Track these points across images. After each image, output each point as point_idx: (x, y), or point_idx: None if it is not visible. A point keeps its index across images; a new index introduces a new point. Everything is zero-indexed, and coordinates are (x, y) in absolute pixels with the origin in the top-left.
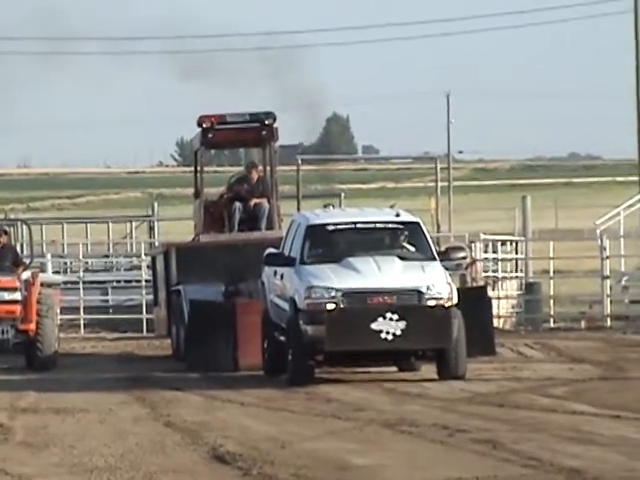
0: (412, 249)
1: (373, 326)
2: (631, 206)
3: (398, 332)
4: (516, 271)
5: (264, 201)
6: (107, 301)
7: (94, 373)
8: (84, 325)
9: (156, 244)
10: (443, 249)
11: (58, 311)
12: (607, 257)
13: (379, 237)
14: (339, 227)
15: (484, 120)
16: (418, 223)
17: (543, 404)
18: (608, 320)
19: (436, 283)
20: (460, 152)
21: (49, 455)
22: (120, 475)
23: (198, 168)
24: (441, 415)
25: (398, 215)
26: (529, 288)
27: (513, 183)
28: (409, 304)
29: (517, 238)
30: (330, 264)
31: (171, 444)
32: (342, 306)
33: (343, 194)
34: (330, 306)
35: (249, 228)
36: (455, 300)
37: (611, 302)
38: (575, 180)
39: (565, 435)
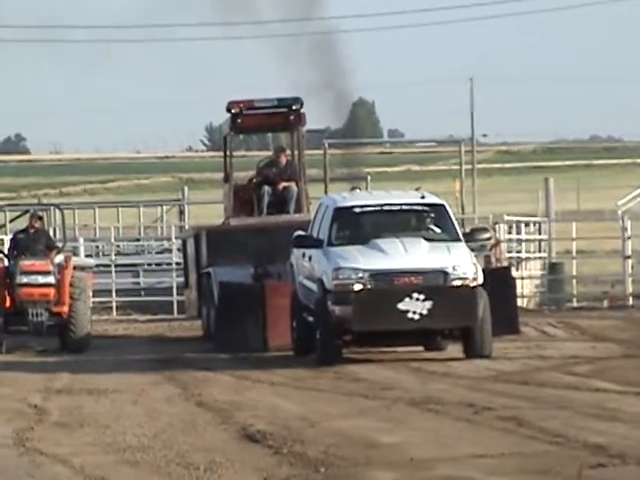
0: (437, 230)
1: (400, 306)
2: None
3: (425, 312)
4: (539, 251)
5: (292, 184)
6: (138, 284)
7: (126, 355)
8: (116, 307)
9: (186, 228)
10: (468, 230)
11: (90, 294)
12: (628, 237)
13: (405, 219)
14: (366, 209)
15: (507, 104)
16: (443, 205)
17: (567, 382)
18: (630, 299)
19: (461, 263)
20: (484, 135)
21: (83, 435)
22: (153, 454)
23: (227, 153)
24: (467, 393)
25: (423, 197)
26: (552, 268)
27: (535, 165)
28: (435, 284)
29: (540, 219)
30: (357, 245)
31: (202, 423)
32: (369, 287)
33: (369, 177)
34: (357, 287)
35: (278, 211)
36: (480, 280)
37: (633, 281)
38: (596, 162)
39: (589, 412)
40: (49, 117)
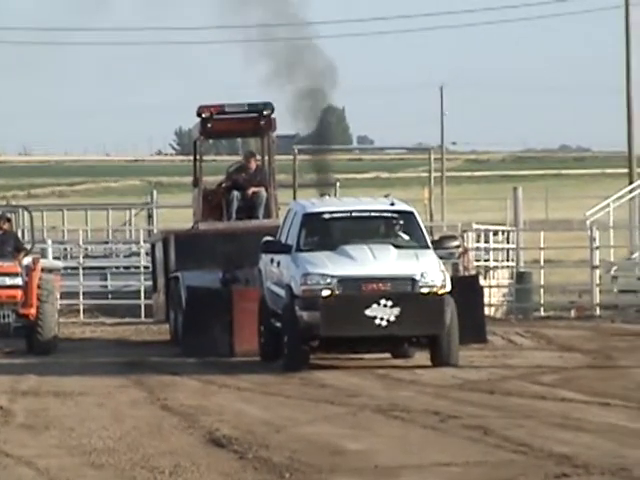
0: (406, 238)
1: (367, 312)
2: (620, 197)
3: (392, 318)
4: (507, 260)
5: (262, 190)
6: (106, 287)
7: (93, 357)
8: (83, 310)
9: (155, 231)
10: (437, 238)
11: (58, 296)
12: (596, 247)
13: (374, 226)
14: (335, 215)
15: (477, 112)
16: (412, 212)
17: (533, 391)
18: (597, 309)
19: (430, 271)
20: (453, 143)
21: (49, 437)
22: (118, 457)
23: (197, 157)
24: (433, 401)
25: (393, 204)
26: (520, 277)
27: (505, 174)
28: (403, 291)
29: (508, 228)
30: (326, 252)
31: (168, 427)
32: (337, 292)
33: (338, 183)
34: (325, 292)
35: (247, 216)
36: (448, 288)
37: (600, 291)
38: (565, 172)
39: (555, 422)
40: (18, 119)
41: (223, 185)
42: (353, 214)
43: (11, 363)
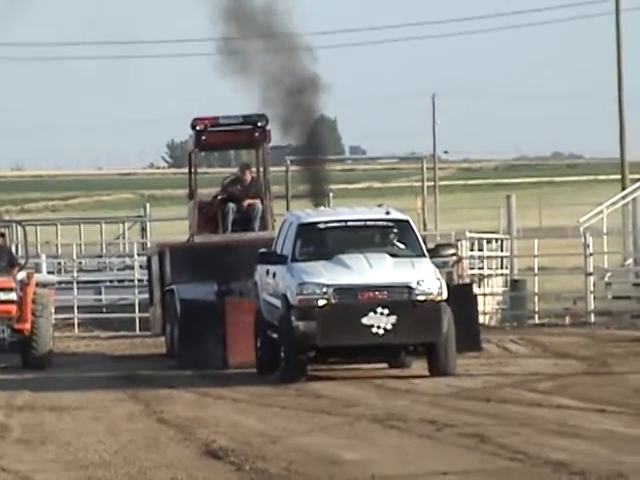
0: (402, 246)
1: (364, 321)
2: (613, 204)
3: (389, 327)
4: (501, 268)
5: (257, 202)
6: (100, 300)
7: (88, 371)
8: (78, 324)
9: (148, 244)
10: (433, 246)
11: (53, 310)
12: (590, 254)
13: (369, 235)
14: (330, 225)
15: (469, 121)
16: (408, 221)
17: (529, 399)
18: (592, 316)
19: (426, 279)
20: (445, 152)
21: (45, 452)
22: (115, 471)
23: (192, 170)
24: (429, 410)
25: (388, 213)
26: (514, 285)
27: (498, 182)
28: (399, 299)
29: (502, 236)
30: (321, 261)
31: (164, 440)
32: (333, 301)
33: (331, 194)
34: (322, 302)
35: (242, 229)
36: (445, 296)
37: (594, 298)
38: (558, 179)
39: (551, 429)
40: (10, 135)
41: (218, 197)
42: (348, 224)
43: (6, 378)
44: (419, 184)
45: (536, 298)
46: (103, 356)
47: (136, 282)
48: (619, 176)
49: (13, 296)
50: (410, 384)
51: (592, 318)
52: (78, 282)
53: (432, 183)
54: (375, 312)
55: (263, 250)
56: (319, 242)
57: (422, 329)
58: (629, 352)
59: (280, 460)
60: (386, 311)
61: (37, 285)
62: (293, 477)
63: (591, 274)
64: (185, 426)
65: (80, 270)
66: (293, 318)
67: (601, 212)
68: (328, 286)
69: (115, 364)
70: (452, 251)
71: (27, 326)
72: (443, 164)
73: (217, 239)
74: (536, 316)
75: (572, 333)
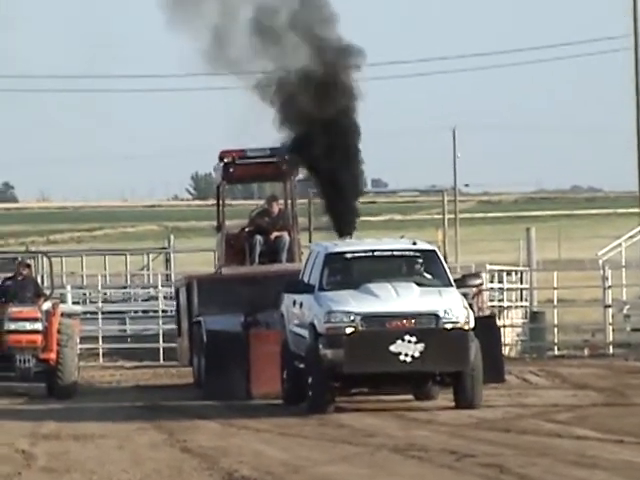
0: (429, 276)
1: (392, 348)
2: (632, 237)
3: (417, 354)
4: (521, 300)
5: (284, 234)
6: (125, 331)
7: (113, 401)
8: (103, 354)
9: (172, 276)
10: (460, 276)
11: (78, 340)
12: (609, 287)
13: (396, 264)
14: (357, 255)
15: (489, 154)
16: (435, 251)
17: (548, 429)
18: (610, 348)
19: (453, 307)
20: (466, 185)
21: None
22: None
23: (220, 202)
24: (449, 440)
25: (415, 243)
26: (534, 317)
27: (517, 215)
28: (427, 327)
29: (522, 268)
30: (349, 290)
31: (188, 469)
32: (361, 329)
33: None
34: (349, 330)
35: (270, 260)
36: (472, 325)
37: (613, 330)
38: (577, 212)
39: (570, 459)
40: (36, 166)
41: (246, 229)
42: (375, 253)
43: (32, 407)
44: (440, 216)
45: (555, 330)
46: (127, 386)
47: (160, 313)
48: (638, 209)
49: (39, 326)
50: (430, 414)
51: (611, 350)
52: (103, 312)
53: (452, 216)
54: (403, 340)
55: (290, 280)
56: (346, 272)
57: (450, 357)
58: None
59: None
60: (414, 339)
61: (62, 315)
62: None
63: (610, 306)
64: (209, 455)
65: (105, 301)
66: (321, 346)
67: (619, 245)
68: (356, 314)
69: (139, 394)
70: (479, 281)
71: (52, 356)
72: (463, 197)
73: (244, 271)
74: (555, 348)
75: (591, 365)
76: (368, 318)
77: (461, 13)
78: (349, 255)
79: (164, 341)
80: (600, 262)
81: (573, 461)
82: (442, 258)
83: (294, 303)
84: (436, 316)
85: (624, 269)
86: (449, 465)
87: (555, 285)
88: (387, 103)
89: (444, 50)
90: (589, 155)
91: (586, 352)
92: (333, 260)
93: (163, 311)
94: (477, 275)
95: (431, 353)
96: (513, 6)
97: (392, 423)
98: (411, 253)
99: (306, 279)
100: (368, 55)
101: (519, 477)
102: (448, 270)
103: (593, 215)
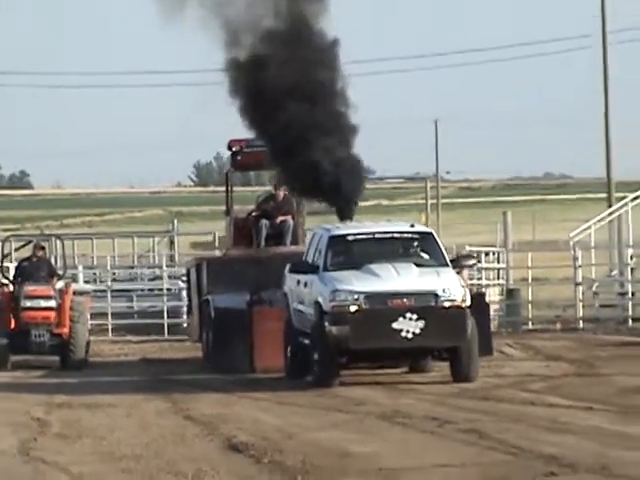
0: (426, 256)
1: (394, 325)
2: (601, 220)
3: (417, 331)
4: (498, 279)
5: (289, 218)
6: (132, 307)
7: (121, 372)
8: (112, 329)
9: (176, 257)
10: (455, 257)
11: (88, 317)
12: (579, 266)
13: (396, 246)
14: (359, 237)
15: (469, 144)
16: (431, 233)
17: (523, 398)
18: (580, 322)
19: (451, 286)
20: (447, 173)
21: (82, 445)
22: (145, 463)
23: (228, 188)
24: (431, 408)
25: (413, 226)
26: (509, 294)
27: (495, 200)
28: (427, 305)
29: (499, 249)
30: (351, 270)
31: (190, 435)
32: (365, 307)
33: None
34: (353, 308)
35: (275, 243)
36: (468, 303)
37: (583, 306)
38: (550, 197)
39: (543, 425)
40: (51, 156)
41: (253, 214)
42: (376, 236)
43: (46, 378)
44: (423, 201)
45: (529, 306)
46: (134, 359)
47: (165, 291)
48: (606, 194)
49: (52, 303)
50: (415, 384)
51: (581, 324)
52: (112, 291)
53: (435, 201)
54: (404, 317)
55: (295, 261)
56: (349, 253)
57: (448, 333)
58: (614, 355)
59: (296, 454)
60: (415, 316)
61: (74, 293)
62: (307, 469)
63: (580, 284)
64: (209, 422)
65: (113, 280)
66: (326, 323)
67: (589, 227)
68: (359, 293)
69: (145, 366)
70: (473, 261)
71: (65, 331)
72: (445, 183)
73: (250, 253)
74: (530, 322)
75: (562, 338)
76: (371, 297)
77: (438, 12)
78: (351, 237)
79: (168, 317)
80: (571, 243)
81: (545, 427)
82: (438, 240)
83: (298, 282)
84: (435, 295)
85: (593, 250)
86: (431, 431)
87: (529, 265)
88: (375, 97)
89: (427, 48)
90: (561, 145)
91: (558, 326)
92: (336, 242)
93: (167, 289)
94: (471, 256)
95: (431, 330)
96: (487, 6)
97: (380, 393)
98: (409, 235)
99: (310, 260)
100: (355, 52)
101: (496, 441)
102: (444, 251)
103: (564, 200)
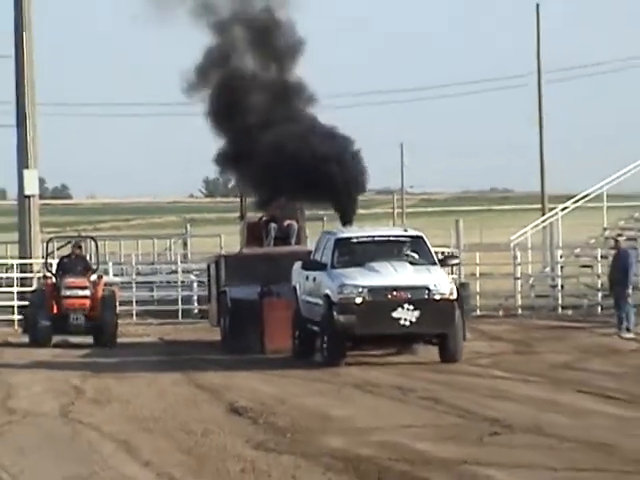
0: (417, 256)
1: (394, 314)
2: (536, 226)
3: (413, 319)
4: (452, 274)
5: (294, 222)
6: (153, 296)
7: (143, 349)
8: (136, 314)
9: (189, 255)
10: (441, 257)
11: (117, 304)
12: (518, 264)
13: (392, 247)
14: (361, 240)
15: (428, 163)
16: (422, 237)
17: (472, 371)
18: (519, 310)
19: (441, 282)
20: (411, 187)
21: (111, 409)
22: (163, 423)
23: (242, 196)
24: (396, 379)
25: (406, 230)
26: (461, 286)
27: (449, 210)
28: (421, 297)
29: (453, 250)
30: (355, 268)
31: (200, 401)
32: (368, 299)
33: (325, 218)
34: (359, 299)
35: (282, 243)
36: (455, 296)
37: (521, 297)
38: (494, 207)
39: (487, 394)
40: (86, 172)
41: (263, 219)
42: (375, 238)
43: (82, 353)
44: (391, 211)
45: (478, 296)
46: (154, 340)
47: (179, 282)
48: (540, 205)
49: (87, 293)
50: (383, 360)
51: (519, 311)
52: (136, 282)
53: (401, 210)
54: (402, 308)
55: (305, 260)
56: (353, 253)
57: (439, 321)
58: (547, 337)
59: (286, 416)
60: (411, 307)
61: (105, 284)
62: (296, 428)
63: (519, 278)
64: (216, 390)
65: (137, 273)
66: (335, 313)
67: (526, 232)
68: (364, 287)
69: (163, 345)
70: (457, 261)
71: (98, 315)
72: (409, 196)
73: (261, 251)
74: (478, 310)
75: (504, 322)
76: (373, 290)
77: (402, 49)
78: (355, 240)
79: (182, 304)
80: (512, 245)
81: (490, 395)
82: (428, 242)
83: (307, 278)
84: (427, 289)
85: (530, 250)
86: (397, 398)
87: (477, 262)
88: (350, 126)
89: (386, 85)
90: (504, 165)
91: (501, 313)
92: (342, 244)
93: (182, 282)
94: (455, 256)
95: (425, 318)
96: (441, 45)
97: (354, 367)
98: (404, 238)
99: (318, 259)
100: (333, 88)
101: (450, 407)
102: (433, 252)
103: (506, 210)
